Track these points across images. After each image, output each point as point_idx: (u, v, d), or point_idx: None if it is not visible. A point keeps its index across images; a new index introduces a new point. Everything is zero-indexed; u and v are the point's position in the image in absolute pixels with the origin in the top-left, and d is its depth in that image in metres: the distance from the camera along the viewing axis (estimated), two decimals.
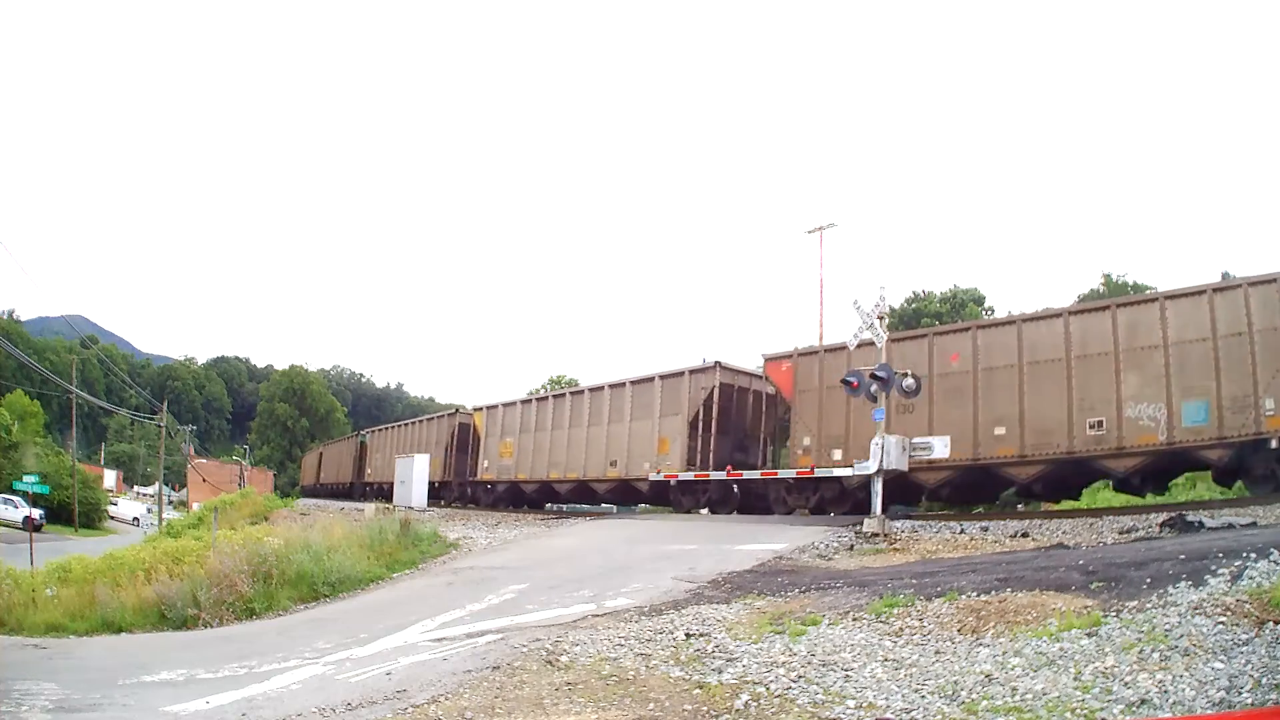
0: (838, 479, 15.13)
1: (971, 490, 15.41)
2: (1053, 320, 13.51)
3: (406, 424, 33.61)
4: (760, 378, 18.87)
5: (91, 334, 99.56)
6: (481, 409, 25.97)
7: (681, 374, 18.71)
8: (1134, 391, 12.38)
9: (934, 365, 14.28)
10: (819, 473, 15.54)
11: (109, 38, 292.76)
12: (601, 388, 21.02)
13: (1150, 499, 13.85)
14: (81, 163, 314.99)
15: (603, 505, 24.63)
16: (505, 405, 25.03)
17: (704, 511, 17.93)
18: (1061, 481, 13.94)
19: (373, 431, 38.08)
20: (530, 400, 24.50)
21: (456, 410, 28.26)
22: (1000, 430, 13.50)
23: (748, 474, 17.37)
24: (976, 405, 13.82)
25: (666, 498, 19.30)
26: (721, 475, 17.38)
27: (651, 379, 19.39)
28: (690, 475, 17.84)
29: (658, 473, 18.46)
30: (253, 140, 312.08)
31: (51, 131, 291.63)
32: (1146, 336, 12.41)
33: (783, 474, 16.63)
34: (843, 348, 15.41)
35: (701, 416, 18.21)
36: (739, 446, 18.93)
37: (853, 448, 14.84)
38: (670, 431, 18.56)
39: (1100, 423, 12.61)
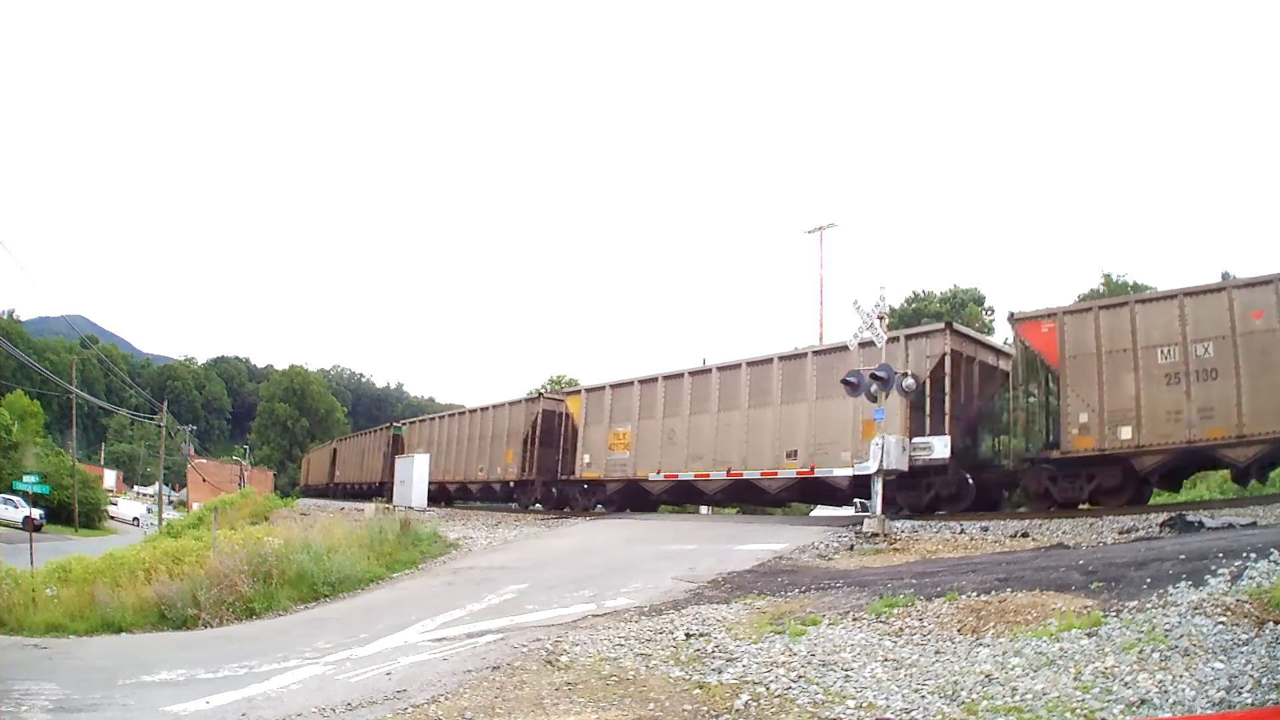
0: (1121, 460, 12.76)
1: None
2: None
3: (461, 414, 28.30)
4: (989, 347, 15.64)
5: (91, 334, 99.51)
6: (578, 392, 21.90)
7: (895, 339, 14.65)
8: None
9: (1236, 324, 11.99)
10: (819, 473, 15.51)
11: (109, 37, 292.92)
12: (769, 360, 16.89)
13: (1149, 499, 13.81)
14: (81, 162, 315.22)
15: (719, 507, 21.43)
16: (615, 386, 20.55)
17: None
18: None
19: (412, 423, 32.84)
20: (655, 379, 19.36)
21: (539, 395, 24.04)
22: None
23: (747, 474, 16.72)
24: None
25: (866, 494, 15.36)
26: (903, 466, 13.66)
27: (844, 346, 15.32)
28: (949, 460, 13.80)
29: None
30: (253, 140, 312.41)
31: (51, 131, 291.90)
32: None
33: (783, 474, 16.07)
34: (1122, 304, 13.13)
35: (930, 391, 14.42)
36: (968, 429, 15.17)
37: (1146, 423, 12.31)
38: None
39: None
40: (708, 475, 17.45)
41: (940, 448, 13.49)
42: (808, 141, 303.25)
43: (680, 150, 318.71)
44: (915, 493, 14.50)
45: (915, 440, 13.32)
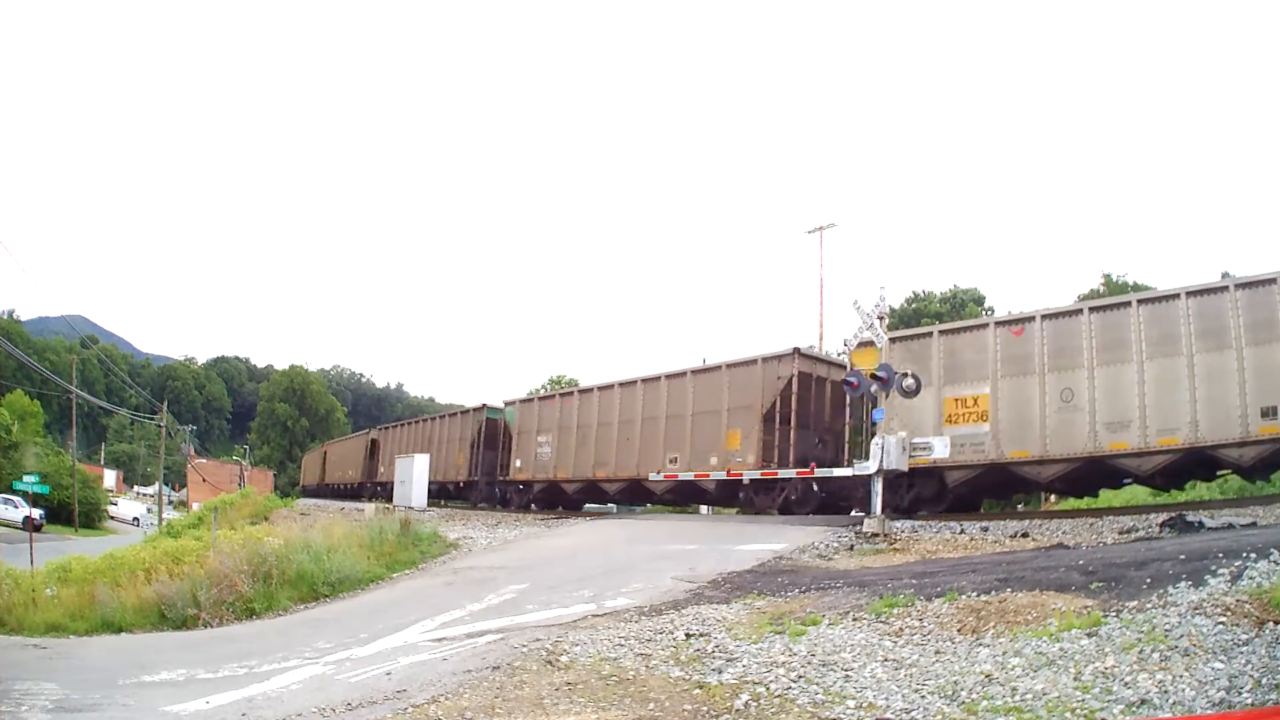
0: None
1: None
2: None
3: (627, 384, 19.67)
4: None
5: (91, 334, 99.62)
6: (868, 345, 13.12)
7: None
8: None
9: None
10: (819, 473, 15.49)
11: (109, 37, 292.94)
12: (1273, 280, 11.57)
13: (1150, 499, 13.76)
14: (81, 162, 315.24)
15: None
16: (949, 331, 14.60)
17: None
18: None
19: (526, 402, 23.95)
20: (1030, 318, 13.64)
21: (795, 350, 16.52)
22: None
23: (748, 474, 16.28)
24: None
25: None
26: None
27: None
28: None
29: None
30: (253, 140, 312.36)
31: (51, 131, 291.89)
32: None
33: (783, 474, 15.73)
34: None
35: None
36: None
37: None
38: None
39: None
40: (1139, 448, 12.21)
41: (940, 448, 13.47)
42: (808, 141, 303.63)
43: (681, 150, 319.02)
44: None
45: (915, 440, 13.28)
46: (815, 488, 15.96)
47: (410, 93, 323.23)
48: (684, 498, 19.62)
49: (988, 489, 15.02)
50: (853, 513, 15.49)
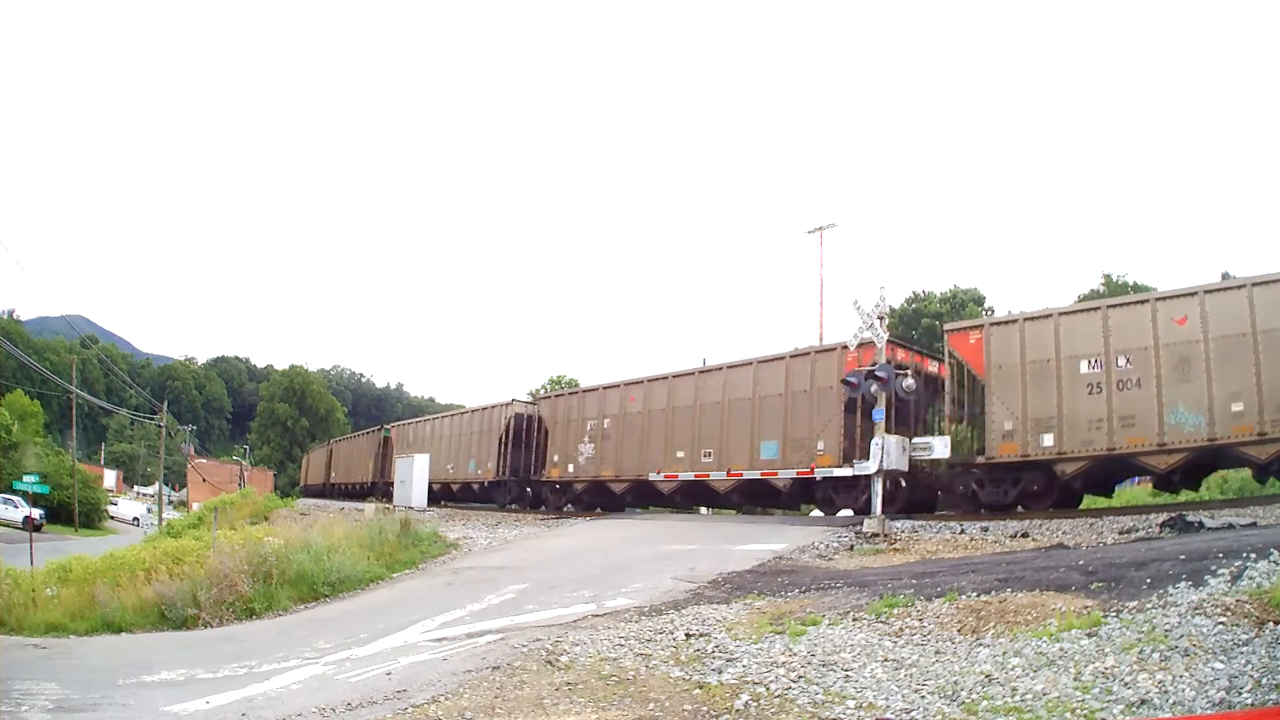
0: None
1: None
2: None
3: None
4: None
5: (91, 334, 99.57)
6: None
7: None
8: None
9: None
10: (819, 473, 15.46)
11: (109, 37, 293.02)
12: None
13: (1151, 499, 13.73)
14: (81, 162, 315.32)
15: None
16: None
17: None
18: None
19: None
20: None
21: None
22: None
23: (749, 473, 16.44)
24: None
25: None
26: None
27: None
28: None
29: None
30: (253, 140, 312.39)
31: (52, 131, 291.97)
32: None
33: (783, 474, 15.74)
34: None
35: None
36: None
37: None
38: None
39: None
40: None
41: (940, 448, 13.46)
42: (808, 141, 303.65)
43: (681, 151, 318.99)
44: None
45: (915, 440, 13.27)
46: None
47: (411, 93, 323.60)
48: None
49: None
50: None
